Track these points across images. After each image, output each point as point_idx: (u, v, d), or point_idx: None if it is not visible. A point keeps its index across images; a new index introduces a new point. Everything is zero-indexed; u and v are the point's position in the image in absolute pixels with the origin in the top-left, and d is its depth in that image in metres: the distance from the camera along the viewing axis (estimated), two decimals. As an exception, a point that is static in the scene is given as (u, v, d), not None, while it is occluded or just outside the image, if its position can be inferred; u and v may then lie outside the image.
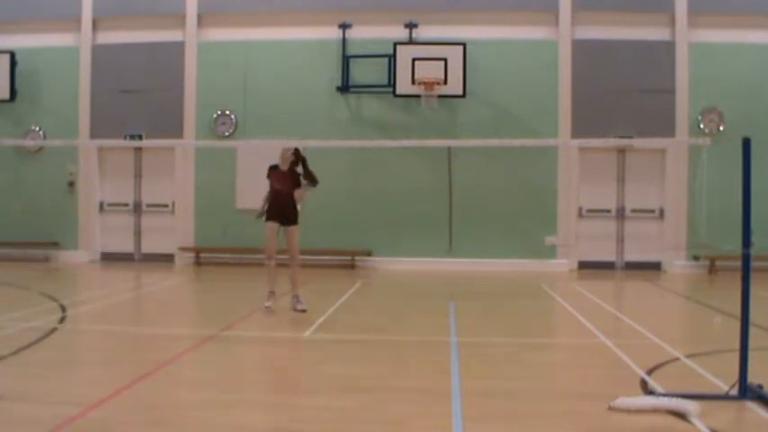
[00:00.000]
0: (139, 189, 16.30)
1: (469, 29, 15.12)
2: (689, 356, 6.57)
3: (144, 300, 11.33)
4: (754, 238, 5.30)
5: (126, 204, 16.30)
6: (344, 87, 15.31)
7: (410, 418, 4.82)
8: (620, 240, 15.29)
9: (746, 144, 5.37)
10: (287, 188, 9.25)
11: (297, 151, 9.30)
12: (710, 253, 14.05)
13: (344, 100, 15.46)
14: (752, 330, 5.31)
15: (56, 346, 7.12)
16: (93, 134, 15.80)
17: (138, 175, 16.32)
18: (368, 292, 11.92)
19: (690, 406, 4.74)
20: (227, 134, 15.62)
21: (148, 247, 16.21)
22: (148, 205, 16.28)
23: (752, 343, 5.25)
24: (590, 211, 15.27)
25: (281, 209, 9.24)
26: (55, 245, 15.96)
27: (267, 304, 9.20)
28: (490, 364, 6.49)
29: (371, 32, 15.28)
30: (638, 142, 14.81)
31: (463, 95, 14.68)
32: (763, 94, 14.60)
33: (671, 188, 14.86)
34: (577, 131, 14.86)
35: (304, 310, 9.07)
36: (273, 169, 9.35)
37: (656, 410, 4.81)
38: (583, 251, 15.12)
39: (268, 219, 9.32)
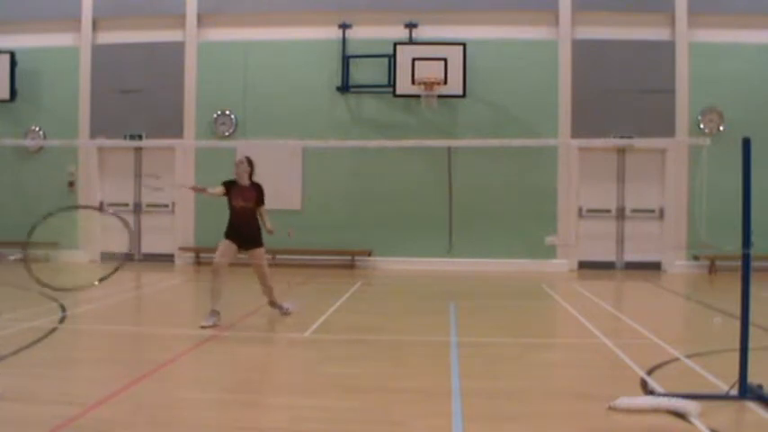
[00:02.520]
0: (139, 189, 16.30)
1: (469, 29, 15.12)
2: (689, 356, 6.57)
3: (144, 300, 11.33)
4: (754, 238, 5.30)
5: (126, 204, 16.29)
6: (344, 87, 15.31)
7: (410, 418, 4.82)
8: (620, 240, 15.29)
9: (746, 144, 5.37)
10: (252, 204, 8.37)
11: (250, 160, 8.48)
12: (710, 253, 14.06)
13: (344, 100, 15.46)
14: (752, 330, 5.31)
15: (56, 346, 7.12)
16: (93, 134, 15.81)
17: (138, 175, 16.32)
18: (368, 291, 11.92)
19: (690, 406, 4.74)
20: (227, 134, 15.63)
21: (148, 247, 16.21)
22: (148, 205, 16.28)
23: (752, 343, 5.26)
24: (590, 211, 15.27)
25: (245, 229, 8.35)
26: (55, 245, 15.94)
27: (205, 324, 7.96)
28: (490, 364, 6.48)
29: (371, 32, 15.28)
30: (638, 142, 14.82)
31: (463, 95, 14.68)
32: (763, 94, 14.61)
33: (671, 188, 14.86)
34: (577, 131, 14.86)
35: (288, 312, 8.82)
36: (232, 185, 8.38)
37: (656, 410, 4.81)
38: (583, 251, 15.12)
39: (227, 237, 8.38)
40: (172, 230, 15.95)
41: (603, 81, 15.00)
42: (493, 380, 5.89)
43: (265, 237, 8.58)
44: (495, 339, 7.74)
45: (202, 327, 7.90)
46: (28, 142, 15.74)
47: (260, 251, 8.47)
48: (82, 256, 15.96)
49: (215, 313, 8.16)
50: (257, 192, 8.47)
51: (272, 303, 8.86)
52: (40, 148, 15.91)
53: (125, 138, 15.62)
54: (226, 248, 8.34)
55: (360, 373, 6.08)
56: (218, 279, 8.28)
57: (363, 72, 15.32)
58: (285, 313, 8.84)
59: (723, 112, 14.68)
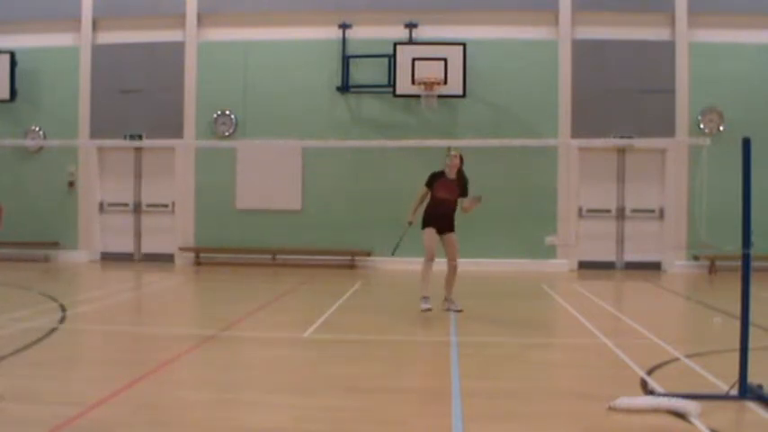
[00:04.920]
0: (139, 189, 16.31)
1: (469, 29, 15.13)
2: (689, 356, 6.57)
3: (144, 300, 11.33)
4: (754, 238, 5.30)
5: (126, 204, 16.30)
6: (344, 87, 15.31)
7: (410, 418, 4.82)
8: (620, 240, 15.29)
9: (746, 144, 5.37)
10: (454, 196, 9.10)
11: (462, 157, 9.17)
12: (710, 253, 14.06)
13: (344, 100, 15.47)
14: (752, 330, 5.31)
15: (56, 346, 7.11)
16: (93, 134, 15.82)
17: (138, 175, 16.33)
18: (368, 292, 11.92)
19: (690, 406, 4.74)
20: (227, 134, 15.63)
21: (148, 247, 16.22)
22: (148, 205, 16.28)
23: (752, 343, 5.25)
24: (590, 211, 15.28)
25: (443, 217, 9.11)
26: (55, 245, 15.97)
27: (426, 306, 8.82)
28: (490, 364, 6.49)
29: (371, 32, 15.28)
30: (638, 142, 14.83)
31: (463, 95, 14.68)
32: (763, 94, 14.61)
33: (671, 188, 14.86)
34: (577, 131, 14.86)
35: (460, 310, 9.19)
36: (439, 177, 9.13)
37: (656, 410, 4.81)
38: (583, 251, 15.12)
39: (426, 226, 9.13)
40: (172, 230, 15.95)
41: (603, 81, 15.00)
42: (493, 380, 5.89)
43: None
44: (495, 339, 7.74)
45: (423, 310, 8.76)
46: (28, 142, 15.75)
47: (452, 235, 9.21)
48: (82, 257, 15.98)
49: (427, 299, 8.86)
50: (460, 186, 9.14)
51: (449, 299, 9.40)
52: (40, 148, 15.92)
53: (125, 138, 15.63)
54: (432, 235, 9.10)
55: (360, 373, 6.08)
56: (430, 266, 9.03)
57: (363, 72, 15.32)
58: (453, 309, 9.22)
59: (723, 112, 14.68)
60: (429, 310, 8.76)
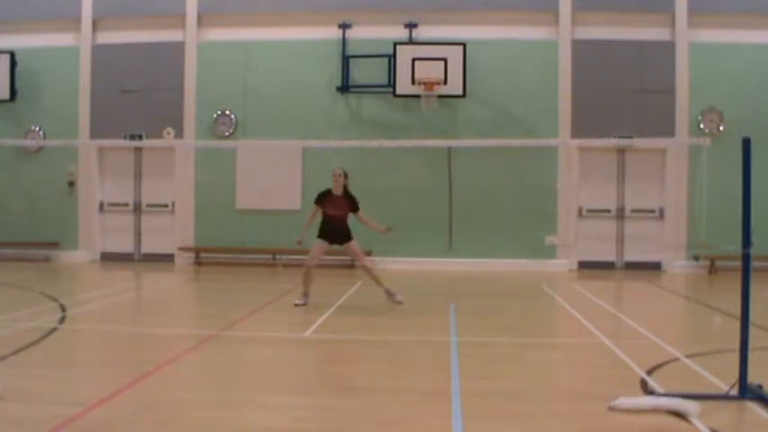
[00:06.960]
0: (139, 189, 16.31)
1: (469, 29, 15.13)
2: (689, 356, 6.57)
3: (144, 300, 11.33)
4: (754, 238, 5.30)
5: (126, 204, 16.30)
6: (344, 87, 15.32)
7: (410, 418, 4.82)
8: (620, 240, 15.29)
9: (746, 144, 5.37)
10: (344, 213, 9.74)
11: (346, 173, 9.80)
12: (710, 253, 14.06)
13: (344, 100, 15.47)
14: (752, 330, 5.31)
15: (56, 346, 7.11)
16: (93, 134, 15.81)
17: (138, 175, 16.33)
18: (368, 292, 11.90)
19: (690, 406, 4.74)
20: (227, 134, 15.63)
21: (148, 247, 16.22)
22: (148, 205, 16.28)
23: (752, 343, 5.26)
24: (590, 211, 15.28)
25: (337, 232, 9.72)
26: (55, 245, 15.97)
27: (299, 302, 9.62)
28: (490, 364, 6.48)
29: (371, 32, 15.28)
30: (638, 142, 14.82)
31: (463, 95, 14.68)
32: (763, 94, 14.61)
33: (671, 188, 14.87)
34: (577, 131, 14.87)
35: (400, 302, 9.78)
36: (327, 195, 9.72)
37: (656, 410, 4.81)
38: (583, 251, 15.12)
39: (319, 237, 9.75)
40: (172, 230, 15.95)
41: (603, 81, 15.00)
42: (493, 380, 5.89)
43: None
44: (495, 339, 7.74)
45: (296, 305, 9.54)
46: (28, 142, 15.74)
47: (352, 244, 9.88)
48: (82, 257, 15.97)
49: (306, 295, 9.68)
50: (350, 203, 9.79)
51: (386, 292, 9.93)
52: (40, 148, 15.92)
53: (125, 138, 15.63)
54: (319, 247, 9.75)
55: (360, 373, 6.08)
56: (310, 272, 9.67)
57: (363, 72, 15.32)
58: (396, 302, 9.78)
59: (723, 112, 14.68)
60: (301, 305, 9.56)
